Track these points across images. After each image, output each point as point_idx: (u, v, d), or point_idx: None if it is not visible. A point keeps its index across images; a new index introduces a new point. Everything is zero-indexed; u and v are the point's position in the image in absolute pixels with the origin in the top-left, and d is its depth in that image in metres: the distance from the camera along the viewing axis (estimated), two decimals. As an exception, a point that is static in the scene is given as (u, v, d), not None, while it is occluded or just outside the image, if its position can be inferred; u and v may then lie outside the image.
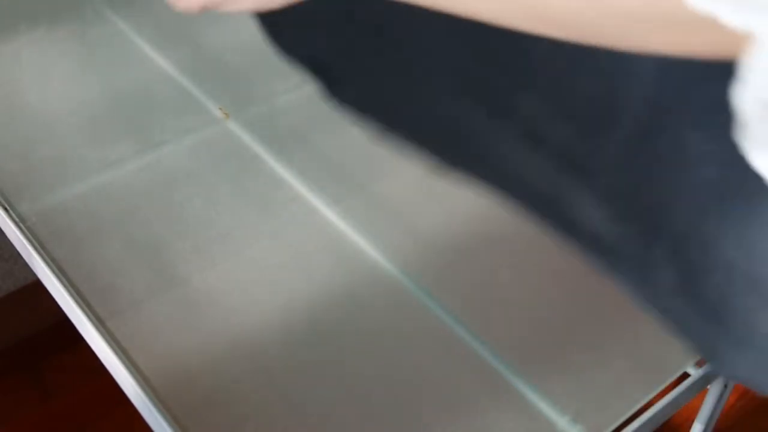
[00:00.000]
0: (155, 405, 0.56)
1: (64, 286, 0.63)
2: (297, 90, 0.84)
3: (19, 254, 0.69)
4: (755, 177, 0.39)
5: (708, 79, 0.47)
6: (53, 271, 0.64)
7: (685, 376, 0.62)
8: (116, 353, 0.59)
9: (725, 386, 0.85)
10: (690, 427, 0.96)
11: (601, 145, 0.51)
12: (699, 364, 0.63)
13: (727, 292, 0.47)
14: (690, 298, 0.50)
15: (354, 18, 0.58)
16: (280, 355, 0.61)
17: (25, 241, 0.66)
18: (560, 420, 0.57)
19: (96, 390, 1.33)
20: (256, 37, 0.91)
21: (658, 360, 0.61)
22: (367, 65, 0.58)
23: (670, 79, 0.50)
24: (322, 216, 0.71)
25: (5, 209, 0.69)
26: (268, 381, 0.59)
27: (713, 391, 0.88)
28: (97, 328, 0.60)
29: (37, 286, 0.69)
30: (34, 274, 0.67)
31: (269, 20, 0.58)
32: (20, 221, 0.68)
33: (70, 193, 0.72)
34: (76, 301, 0.62)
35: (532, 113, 0.54)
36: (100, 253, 0.66)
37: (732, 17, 0.29)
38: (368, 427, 0.57)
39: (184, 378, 0.58)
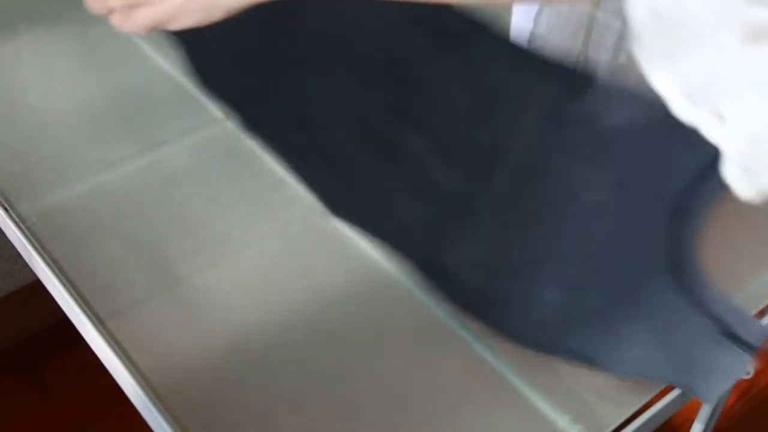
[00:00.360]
0: (155, 405, 0.56)
1: (64, 286, 0.63)
2: (297, 90, 0.84)
3: (19, 254, 0.69)
4: (634, 197, 0.45)
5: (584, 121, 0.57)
6: (53, 271, 0.64)
7: (685, 376, 0.62)
8: (116, 353, 0.59)
9: (725, 386, 0.86)
10: (690, 427, 0.96)
11: (487, 187, 0.58)
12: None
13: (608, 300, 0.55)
14: (574, 314, 0.56)
15: (264, 63, 0.60)
16: (280, 355, 0.61)
17: (25, 241, 0.66)
18: (560, 420, 0.57)
19: (96, 390, 1.33)
20: (256, 37, 0.91)
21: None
22: (273, 110, 0.59)
23: (551, 121, 0.60)
24: (322, 216, 0.71)
25: (5, 209, 0.69)
26: (268, 381, 0.59)
27: (713, 391, 0.88)
28: (97, 328, 0.60)
29: (37, 286, 0.69)
30: (34, 274, 0.67)
31: (192, 54, 0.59)
32: (20, 221, 0.68)
33: (70, 193, 0.72)
34: (76, 301, 0.62)
35: (423, 161, 0.57)
36: (100, 253, 0.66)
37: None
38: (368, 427, 0.57)
39: (184, 378, 0.58)
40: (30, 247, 0.66)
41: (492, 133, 0.61)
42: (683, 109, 0.33)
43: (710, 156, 0.58)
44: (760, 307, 0.65)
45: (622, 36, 0.97)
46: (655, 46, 0.33)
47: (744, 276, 0.66)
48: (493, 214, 0.57)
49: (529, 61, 0.67)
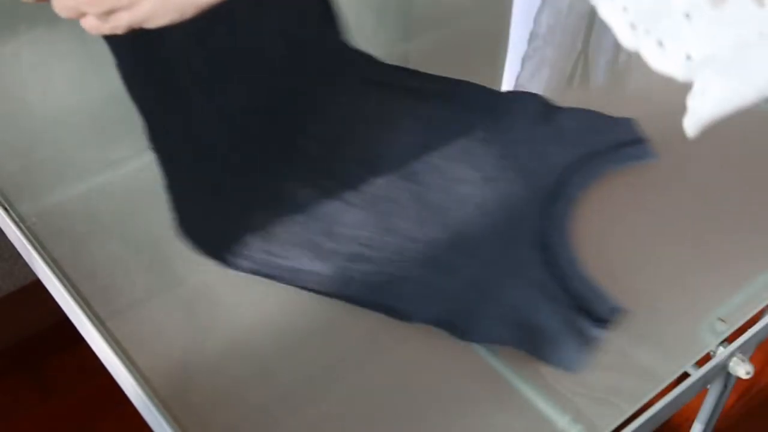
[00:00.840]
0: (155, 405, 0.56)
1: (64, 286, 0.63)
2: (297, 90, 0.84)
3: (19, 254, 0.69)
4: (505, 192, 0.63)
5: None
6: (53, 271, 0.64)
7: (685, 376, 0.62)
8: (116, 353, 0.59)
9: (725, 386, 0.86)
10: (690, 427, 0.96)
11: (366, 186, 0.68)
12: (699, 364, 0.63)
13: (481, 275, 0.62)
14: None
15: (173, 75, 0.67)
16: (280, 355, 0.61)
17: (25, 241, 0.66)
18: (560, 420, 0.57)
19: (96, 390, 1.33)
20: (256, 37, 0.91)
21: (658, 360, 0.61)
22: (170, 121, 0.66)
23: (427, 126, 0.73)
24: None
25: (5, 209, 0.69)
26: (268, 381, 0.59)
27: (713, 391, 0.88)
28: (97, 328, 0.60)
29: (37, 286, 0.69)
30: (34, 274, 0.67)
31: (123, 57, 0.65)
32: (20, 221, 0.68)
33: (70, 193, 0.72)
34: (76, 301, 0.62)
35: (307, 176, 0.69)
36: (100, 253, 0.66)
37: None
38: (368, 427, 0.57)
39: (184, 378, 0.58)
40: (30, 247, 0.66)
41: (370, 141, 0.72)
42: (628, 37, 0.38)
43: (578, 150, 0.73)
44: (760, 307, 0.65)
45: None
46: None
47: (744, 276, 0.66)
48: (372, 208, 0.66)
49: (402, 75, 0.79)
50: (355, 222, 0.65)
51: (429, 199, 0.67)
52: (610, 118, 0.78)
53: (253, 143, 0.68)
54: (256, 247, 0.63)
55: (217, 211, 0.64)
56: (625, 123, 0.78)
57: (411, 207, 0.67)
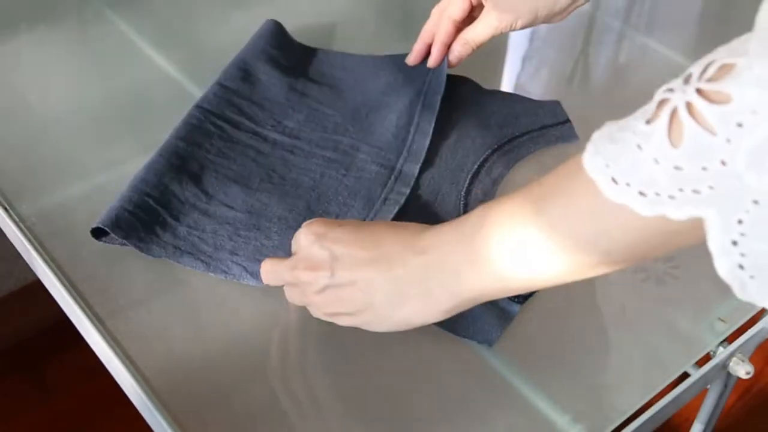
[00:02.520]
0: (155, 405, 0.56)
1: (64, 286, 0.63)
2: (297, 90, 0.84)
3: (19, 254, 0.69)
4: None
5: None
6: (53, 271, 0.64)
7: (685, 376, 0.62)
8: (116, 353, 0.59)
9: (725, 386, 0.86)
10: (690, 427, 0.96)
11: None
12: (699, 364, 0.63)
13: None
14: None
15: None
16: (280, 355, 0.61)
17: (25, 241, 0.66)
18: (560, 420, 0.57)
19: (96, 390, 1.33)
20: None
21: (658, 360, 0.61)
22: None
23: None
24: (322, 216, 0.70)
25: (5, 209, 0.69)
26: (268, 381, 0.59)
27: (713, 391, 0.88)
28: (97, 328, 0.60)
29: (37, 286, 0.69)
30: (34, 274, 0.67)
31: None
32: (20, 221, 0.68)
33: (70, 193, 0.72)
34: (76, 301, 0.62)
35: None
36: (100, 253, 0.66)
37: (641, 207, 0.38)
38: (368, 427, 0.57)
39: (184, 378, 0.58)
40: (30, 247, 0.66)
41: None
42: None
43: (505, 132, 0.77)
44: (760, 307, 0.65)
45: (622, 36, 0.97)
46: None
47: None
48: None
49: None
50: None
51: (351, 181, 0.71)
52: (537, 101, 0.81)
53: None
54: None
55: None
56: (551, 106, 0.80)
57: (331, 187, 0.70)
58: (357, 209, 0.68)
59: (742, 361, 0.64)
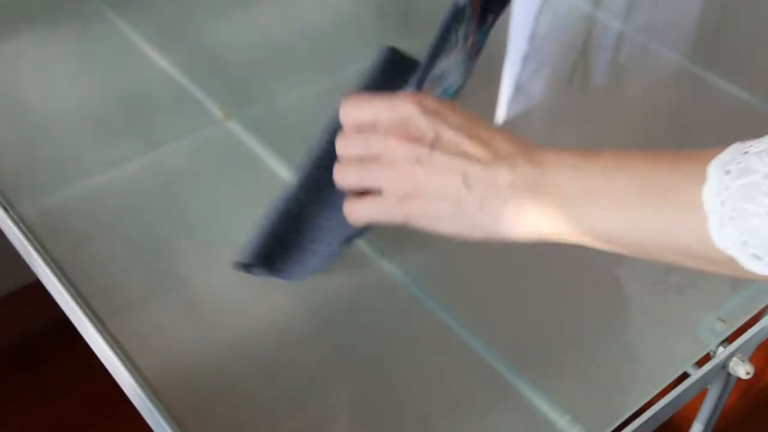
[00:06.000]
0: (155, 405, 0.56)
1: (64, 286, 0.63)
2: (297, 90, 0.84)
3: (19, 254, 0.69)
4: None
5: None
6: (53, 271, 0.64)
7: (685, 376, 0.62)
8: (116, 353, 0.59)
9: (725, 386, 0.86)
10: (690, 427, 0.96)
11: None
12: (699, 364, 0.63)
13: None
14: None
15: None
16: (280, 355, 0.61)
17: (25, 241, 0.66)
18: (560, 420, 0.57)
19: (96, 390, 1.33)
20: (256, 37, 0.91)
21: (658, 360, 0.61)
22: None
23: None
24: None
25: (5, 209, 0.69)
26: (268, 381, 0.59)
27: (713, 391, 0.88)
28: (97, 328, 0.60)
29: (37, 286, 0.69)
30: (34, 274, 0.67)
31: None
32: (20, 221, 0.68)
33: (70, 193, 0.72)
34: (76, 301, 0.62)
35: None
36: (100, 253, 0.66)
37: (753, 265, 0.39)
38: (368, 427, 0.57)
39: (184, 378, 0.58)
40: (30, 247, 0.66)
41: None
42: (756, 267, 0.40)
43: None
44: (760, 307, 0.65)
45: (622, 36, 0.97)
46: None
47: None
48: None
49: None
50: None
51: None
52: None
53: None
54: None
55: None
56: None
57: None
58: None
59: (742, 361, 0.64)
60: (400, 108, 0.51)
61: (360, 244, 0.68)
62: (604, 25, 0.98)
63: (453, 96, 0.70)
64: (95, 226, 0.69)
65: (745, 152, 0.40)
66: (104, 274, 0.64)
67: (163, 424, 0.55)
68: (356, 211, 0.54)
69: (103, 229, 0.69)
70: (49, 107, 0.81)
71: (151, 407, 0.56)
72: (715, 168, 0.41)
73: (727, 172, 0.40)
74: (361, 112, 0.53)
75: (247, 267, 0.64)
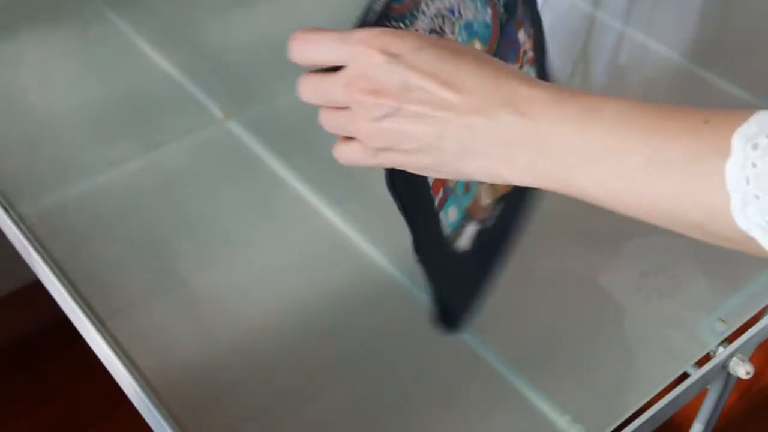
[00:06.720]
0: (155, 405, 0.56)
1: (64, 286, 0.63)
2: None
3: (19, 254, 0.69)
4: None
5: None
6: (53, 271, 0.64)
7: (685, 376, 0.62)
8: (116, 353, 0.59)
9: (725, 386, 0.86)
10: (690, 427, 0.96)
11: None
12: (699, 364, 0.63)
13: None
14: None
15: None
16: (280, 355, 0.61)
17: (25, 241, 0.66)
18: (560, 420, 0.57)
19: (96, 390, 1.33)
20: (256, 37, 0.91)
21: (658, 360, 0.61)
22: None
23: None
24: (323, 216, 0.71)
25: (5, 209, 0.69)
26: (268, 381, 0.59)
27: (713, 391, 0.88)
28: (97, 328, 0.60)
29: (37, 286, 0.69)
30: (34, 274, 0.67)
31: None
32: (20, 221, 0.68)
33: (70, 193, 0.72)
34: (76, 301, 0.62)
35: None
36: (100, 253, 0.66)
37: None
38: (368, 427, 0.57)
39: (184, 378, 0.58)
40: (30, 247, 0.66)
41: None
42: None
43: None
44: (760, 307, 0.65)
45: (622, 36, 0.97)
46: None
47: (744, 276, 0.66)
48: None
49: None
50: None
51: None
52: None
53: None
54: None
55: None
56: None
57: None
58: None
59: (742, 361, 0.64)
60: (359, 55, 0.46)
61: (360, 243, 0.68)
62: (604, 25, 0.98)
63: (482, 41, 0.59)
64: (95, 226, 0.69)
65: None
66: (104, 274, 0.64)
67: (163, 423, 0.55)
68: (342, 156, 0.51)
69: (103, 229, 0.69)
70: (49, 107, 0.81)
71: (151, 407, 0.56)
72: (739, 141, 0.37)
73: (755, 146, 0.36)
74: (314, 53, 0.48)
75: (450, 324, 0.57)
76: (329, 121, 0.50)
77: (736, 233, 0.38)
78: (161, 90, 0.83)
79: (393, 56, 0.45)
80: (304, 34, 0.48)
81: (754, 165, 0.36)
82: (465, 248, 0.58)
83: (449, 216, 0.57)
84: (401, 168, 0.49)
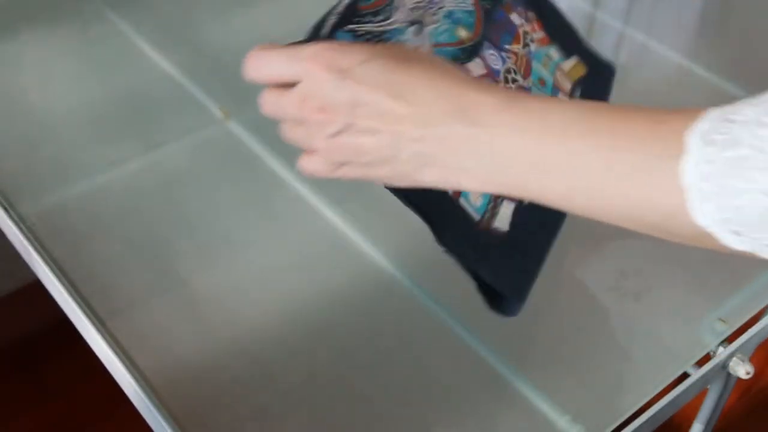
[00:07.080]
0: (155, 405, 0.56)
1: (64, 286, 0.63)
2: (297, 90, 0.84)
3: (19, 254, 0.69)
4: None
5: None
6: (53, 271, 0.64)
7: (685, 376, 0.62)
8: (116, 353, 0.59)
9: (725, 386, 0.86)
10: (690, 427, 0.96)
11: None
12: (699, 364, 0.63)
13: None
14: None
15: None
16: (280, 355, 0.61)
17: (25, 241, 0.66)
18: (560, 420, 0.57)
19: (96, 390, 1.33)
20: (256, 37, 0.91)
21: (658, 360, 0.61)
22: None
23: None
24: (323, 216, 0.71)
25: (5, 209, 0.69)
26: (268, 381, 0.59)
27: (713, 391, 0.88)
28: (97, 328, 0.60)
29: (37, 286, 0.69)
30: (34, 274, 0.67)
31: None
32: (20, 221, 0.68)
33: (70, 193, 0.72)
34: (76, 301, 0.62)
35: None
36: (100, 253, 0.66)
37: (731, 241, 0.36)
38: (368, 427, 0.57)
39: (184, 378, 0.58)
40: (30, 247, 0.66)
41: None
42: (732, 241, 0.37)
43: None
44: (760, 307, 0.65)
45: (622, 36, 0.97)
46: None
47: (744, 276, 0.66)
48: None
49: None
50: None
51: None
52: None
53: None
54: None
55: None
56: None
57: None
58: None
59: (742, 361, 0.64)
60: (307, 72, 0.46)
61: (360, 243, 0.68)
62: (604, 25, 0.98)
63: (466, 27, 0.58)
64: (95, 226, 0.69)
65: (730, 121, 0.36)
66: (104, 274, 0.64)
67: (163, 423, 0.55)
68: (305, 170, 0.51)
69: (103, 229, 0.69)
70: (49, 107, 0.81)
71: (151, 407, 0.56)
72: (694, 138, 0.37)
73: (710, 144, 0.36)
74: (268, 71, 0.49)
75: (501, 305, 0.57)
76: (290, 136, 0.50)
77: (694, 230, 0.37)
78: (161, 90, 0.83)
79: (340, 72, 0.45)
80: (258, 51, 0.49)
81: (708, 162, 0.36)
82: (503, 229, 0.57)
83: (472, 201, 0.56)
84: (363, 179, 0.48)
